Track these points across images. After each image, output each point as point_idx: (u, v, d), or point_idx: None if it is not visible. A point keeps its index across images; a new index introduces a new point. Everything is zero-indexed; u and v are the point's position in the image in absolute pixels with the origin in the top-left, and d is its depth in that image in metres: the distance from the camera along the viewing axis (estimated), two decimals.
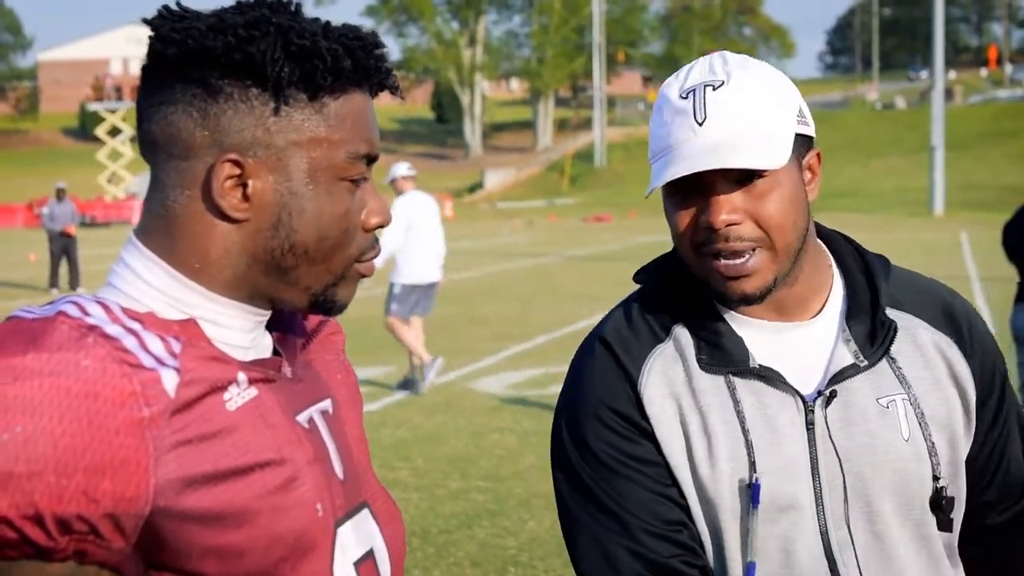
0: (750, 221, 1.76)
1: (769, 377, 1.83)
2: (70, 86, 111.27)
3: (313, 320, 1.59)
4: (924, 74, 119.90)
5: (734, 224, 1.75)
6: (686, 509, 1.84)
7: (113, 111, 62.28)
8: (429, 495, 7.63)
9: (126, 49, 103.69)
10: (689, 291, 1.89)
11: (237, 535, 1.32)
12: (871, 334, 1.86)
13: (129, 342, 1.29)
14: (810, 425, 1.82)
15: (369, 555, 1.49)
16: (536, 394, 11.02)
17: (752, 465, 1.80)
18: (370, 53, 1.41)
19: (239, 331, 1.42)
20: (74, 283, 22.29)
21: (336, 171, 1.40)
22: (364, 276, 1.47)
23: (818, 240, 1.93)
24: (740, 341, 1.85)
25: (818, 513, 1.81)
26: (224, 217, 1.38)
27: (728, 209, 1.75)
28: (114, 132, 62.26)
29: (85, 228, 30.16)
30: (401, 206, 11.02)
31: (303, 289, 1.43)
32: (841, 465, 1.81)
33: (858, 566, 1.81)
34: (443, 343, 14.37)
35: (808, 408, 1.82)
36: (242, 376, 1.37)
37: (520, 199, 68.01)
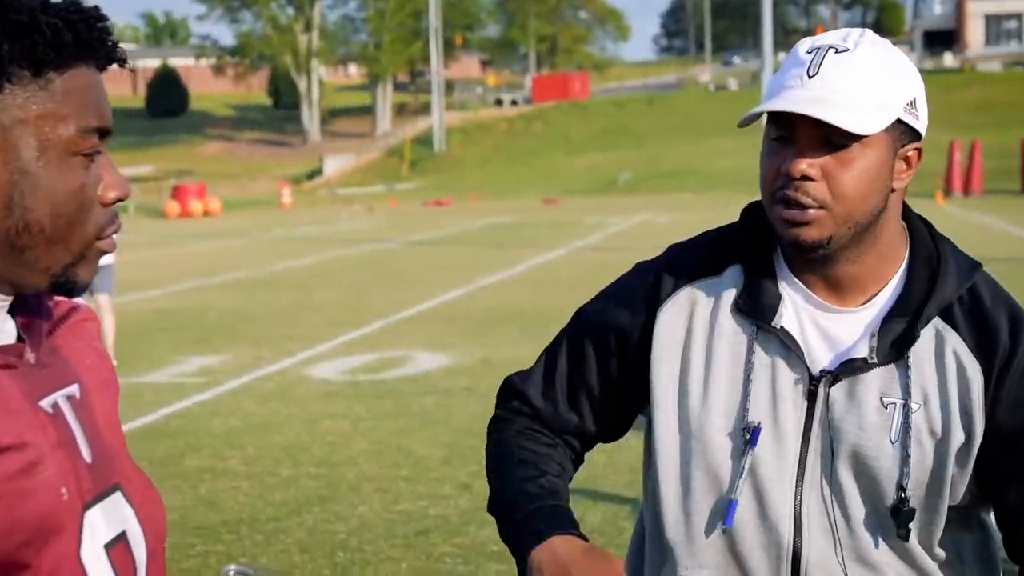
0: (824, 183, 1.82)
1: (786, 344, 1.92)
2: None
3: (64, 306, 1.56)
4: (736, 59, 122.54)
5: (808, 179, 1.82)
6: (600, 427, 2.09)
7: None
8: (259, 483, 7.56)
9: None
10: (769, 236, 1.96)
11: None
12: (897, 340, 1.89)
13: None
14: (811, 397, 1.90)
15: (121, 537, 1.47)
16: (370, 379, 10.99)
17: (745, 412, 1.91)
18: (92, 27, 1.38)
19: None
20: None
21: (67, 146, 1.37)
22: (105, 252, 1.44)
23: (903, 233, 1.96)
24: (777, 299, 1.93)
25: (798, 474, 1.91)
26: None
27: (808, 164, 1.82)
28: None
29: None
30: None
31: (42, 270, 1.40)
32: (832, 439, 1.90)
33: (828, 527, 1.90)
34: (278, 330, 14.26)
35: (813, 382, 1.90)
36: None
37: (360, 185, 67.70)
